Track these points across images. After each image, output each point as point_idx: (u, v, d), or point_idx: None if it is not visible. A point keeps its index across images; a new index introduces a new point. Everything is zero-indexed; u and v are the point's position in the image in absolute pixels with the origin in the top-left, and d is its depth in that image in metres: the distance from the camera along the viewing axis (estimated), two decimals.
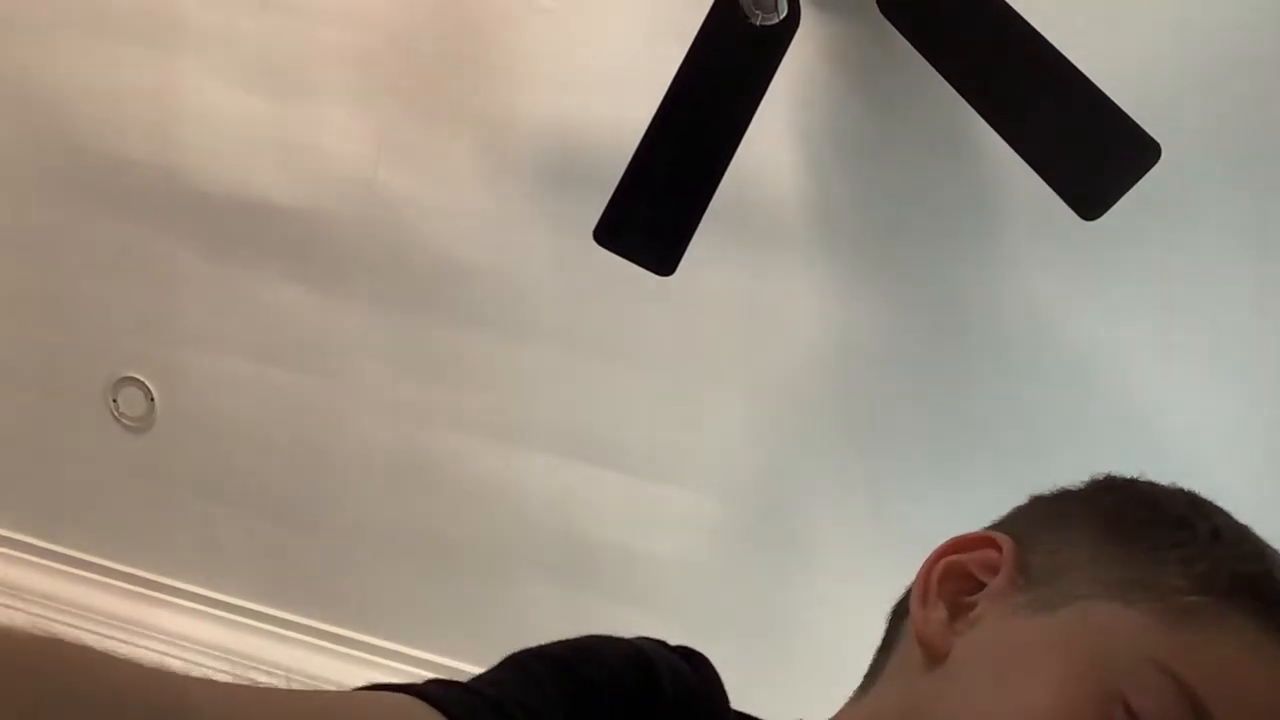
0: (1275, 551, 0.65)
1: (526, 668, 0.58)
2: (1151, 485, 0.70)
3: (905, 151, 2.21)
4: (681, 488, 2.64)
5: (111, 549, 3.06)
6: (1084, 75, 1.76)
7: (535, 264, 2.50)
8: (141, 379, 2.86)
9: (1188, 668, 0.59)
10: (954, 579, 0.68)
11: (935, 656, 0.65)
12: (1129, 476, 0.71)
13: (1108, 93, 1.76)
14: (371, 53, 2.36)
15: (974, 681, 0.63)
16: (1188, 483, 0.71)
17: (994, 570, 0.67)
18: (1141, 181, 1.80)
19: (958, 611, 0.67)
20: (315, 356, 2.72)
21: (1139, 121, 1.77)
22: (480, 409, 2.68)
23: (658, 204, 2.05)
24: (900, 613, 0.72)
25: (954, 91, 1.83)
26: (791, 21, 1.86)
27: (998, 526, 0.72)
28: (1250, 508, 0.69)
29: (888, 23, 1.84)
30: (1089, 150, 1.81)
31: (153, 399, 2.87)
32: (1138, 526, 0.66)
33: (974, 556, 0.68)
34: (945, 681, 0.64)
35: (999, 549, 0.68)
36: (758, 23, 1.84)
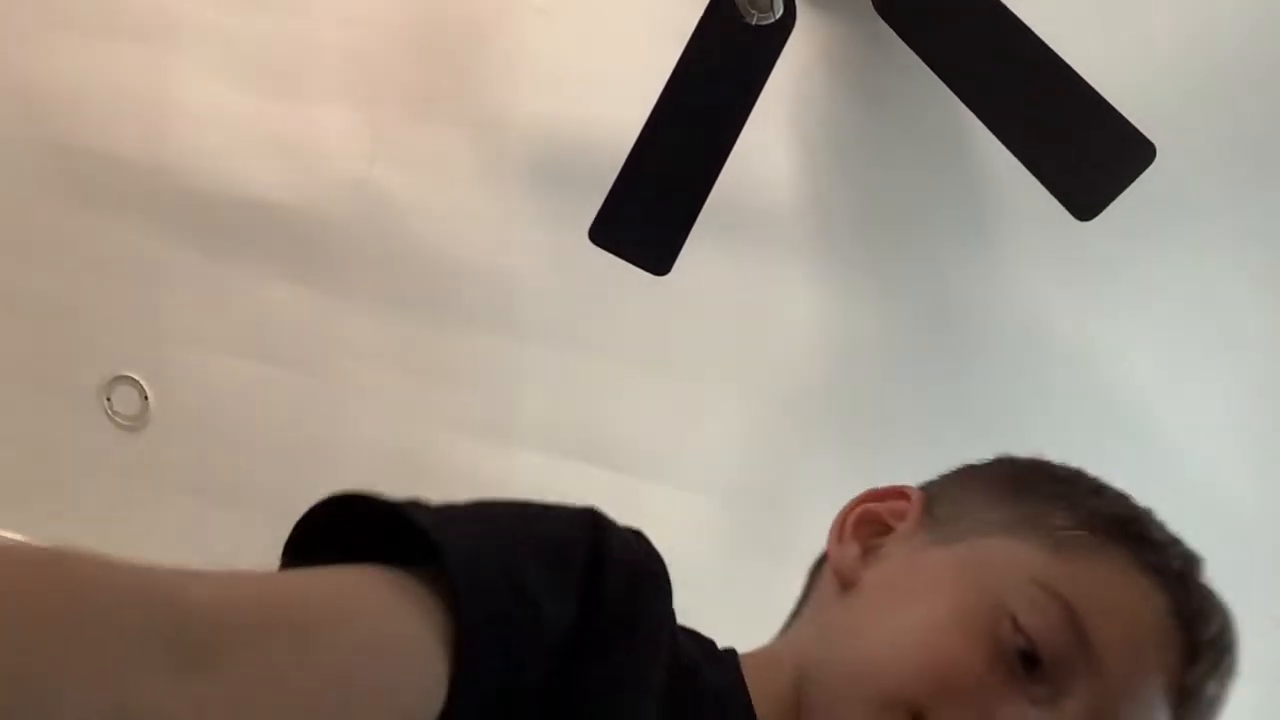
0: (1149, 510, 0.75)
1: (493, 522, 0.58)
2: (1048, 459, 0.79)
3: (900, 151, 2.21)
4: (678, 487, 2.64)
5: (104, 548, 3.05)
6: (1079, 76, 1.76)
7: (531, 263, 2.50)
8: (136, 378, 2.85)
9: (1067, 586, 0.68)
10: (867, 524, 0.78)
11: (847, 585, 0.75)
12: (1011, 460, 0.79)
13: (1102, 93, 1.76)
14: (367, 52, 2.36)
15: (880, 601, 0.72)
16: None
17: (902, 518, 0.76)
18: (1137, 181, 1.80)
19: (868, 550, 0.76)
20: (309, 355, 2.71)
21: (1134, 122, 1.77)
22: (475, 408, 2.68)
23: (653, 203, 2.05)
24: (818, 566, 0.81)
25: (949, 91, 1.83)
26: (787, 21, 1.86)
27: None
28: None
29: (883, 22, 1.84)
30: (1084, 151, 1.81)
31: (147, 398, 2.86)
32: (1031, 482, 0.76)
33: (886, 506, 0.78)
34: (855, 602, 0.73)
35: (908, 499, 0.77)
36: (753, 22, 1.84)
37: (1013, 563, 0.69)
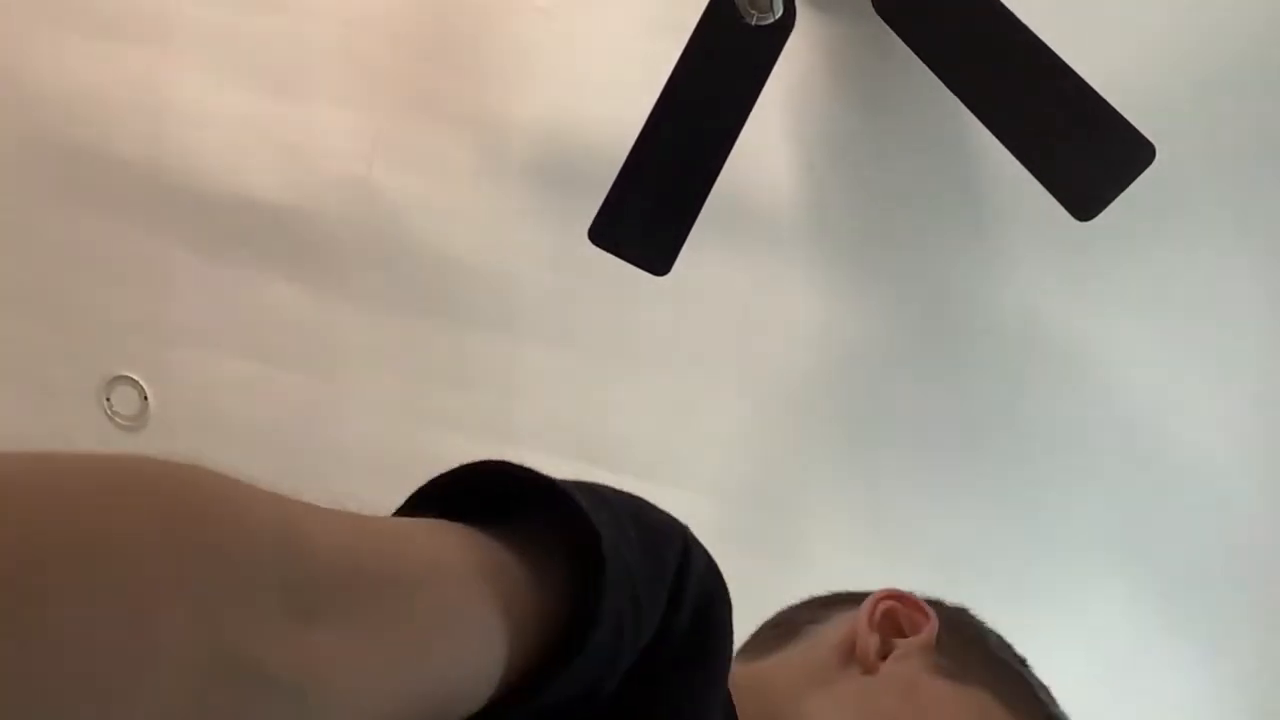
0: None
1: (615, 512, 0.57)
2: (1000, 637, 0.96)
3: (901, 151, 2.21)
4: (677, 488, 2.64)
5: None
6: (1079, 76, 1.76)
7: (530, 263, 2.50)
8: (135, 378, 2.85)
9: None
10: (889, 619, 0.88)
11: (865, 669, 0.85)
12: (980, 621, 0.96)
13: (1102, 93, 1.76)
14: (367, 51, 2.36)
15: (894, 701, 0.83)
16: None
17: (917, 630, 0.87)
18: (1136, 182, 1.80)
19: (884, 644, 0.86)
20: (310, 355, 2.71)
21: (1133, 122, 1.77)
22: (475, 408, 2.68)
23: (653, 203, 2.04)
24: (803, 615, 0.93)
25: (949, 91, 1.83)
26: (787, 21, 1.86)
27: None
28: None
29: (883, 22, 1.84)
30: (1084, 151, 1.81)
31: (146, 398, 2.86)
32: (1010, 665, 0.93)
33: (908, 612, 0.88)
34: (869, 690, 0.83)
35: (928, 617, 0.88)
36: (753, 22, 1.84)
37: None
